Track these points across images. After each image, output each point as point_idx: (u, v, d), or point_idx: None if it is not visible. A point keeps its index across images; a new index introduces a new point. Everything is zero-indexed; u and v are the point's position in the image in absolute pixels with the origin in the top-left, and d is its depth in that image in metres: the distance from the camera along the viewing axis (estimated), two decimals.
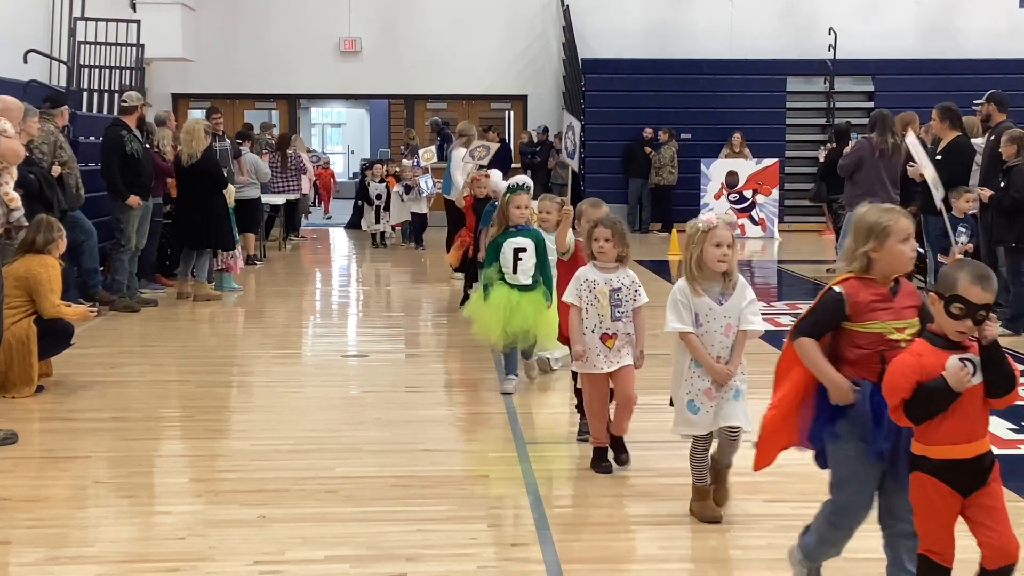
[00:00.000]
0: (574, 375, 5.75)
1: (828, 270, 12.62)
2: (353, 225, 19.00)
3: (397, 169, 17.00)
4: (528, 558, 4.32)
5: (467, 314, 7.23)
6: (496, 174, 10.07)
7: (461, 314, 7.85)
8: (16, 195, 7.51)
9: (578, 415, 5.91)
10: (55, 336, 7.11)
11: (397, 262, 14.97)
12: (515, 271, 6.76)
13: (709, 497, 4.67)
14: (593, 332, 5.18)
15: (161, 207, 11.47)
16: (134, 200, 10.25)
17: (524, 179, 7.45)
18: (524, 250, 6.76)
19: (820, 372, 3.59)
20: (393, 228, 16.85)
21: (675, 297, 4.57)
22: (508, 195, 6.87)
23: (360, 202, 18.20)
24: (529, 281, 6.77)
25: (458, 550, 4.39)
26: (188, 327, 9.96)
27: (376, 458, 5.67)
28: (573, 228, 6.12)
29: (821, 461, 3.74)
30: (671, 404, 4.75)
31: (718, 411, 4.60)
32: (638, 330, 5.22)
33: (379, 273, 14.47)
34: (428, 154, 15.52)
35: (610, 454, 5.40)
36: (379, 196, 16.80)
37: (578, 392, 5.73)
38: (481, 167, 10.67)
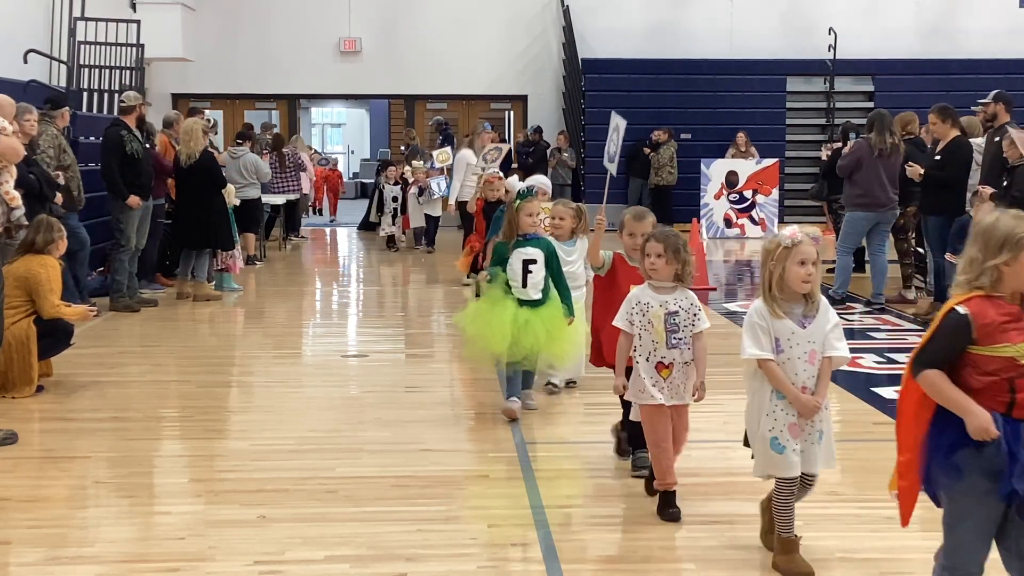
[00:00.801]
0: (624, 405, 5.15)
1: (828, 270, 12.62)
2: (365, 227, 18.55)
3: (407, 170, 16.59)
4: (528, 558, 4.32)
5: (463, 327, 6.53)
6: (513, 177, 9.66)
7: (454, 322, 7.26)
8: (16, 194, 7.52)
9: (630, 448, 5.40)
10: (55, 336, 7.11)
11: (404, 264, 14.85)
12: (524, 284, 6.23)
13: (797, 549, 4.19)
14: (647, 360, 4.63)
15: (162, 207, 11.47)
16: (134, 200, 10.24)
17: (540, 179, 7.22)
18: (534, 262, 6.24)
19: (956, 404, 3.22)
20: (403, 231, 16.38)
21: (752, 320, 4.08)
22: (519, 201, 6.26)
23: (370, 204, 17.78)
24: (539, 295, 6.26)
25: (458, 550, 4.39)
26: (188, 327, 9.96)
27: (376, 458, 5.67)
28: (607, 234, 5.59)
29: (935, 498, 3.41)
30: (746, 444, 4.28)
31: (803, 453, 4.13)
32: (698, 359, 4.65)
33: (382, 274, 14.46)
34: (443, 155, 15.19)
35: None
36: (395, 198, 16.30)
37: (626, 423, 5.26)
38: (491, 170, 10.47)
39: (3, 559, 4.33)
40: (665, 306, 4.62)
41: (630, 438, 5.34)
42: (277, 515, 4.77)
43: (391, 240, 16.20)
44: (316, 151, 23.17)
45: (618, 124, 6.49)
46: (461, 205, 12.09)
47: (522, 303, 6.23)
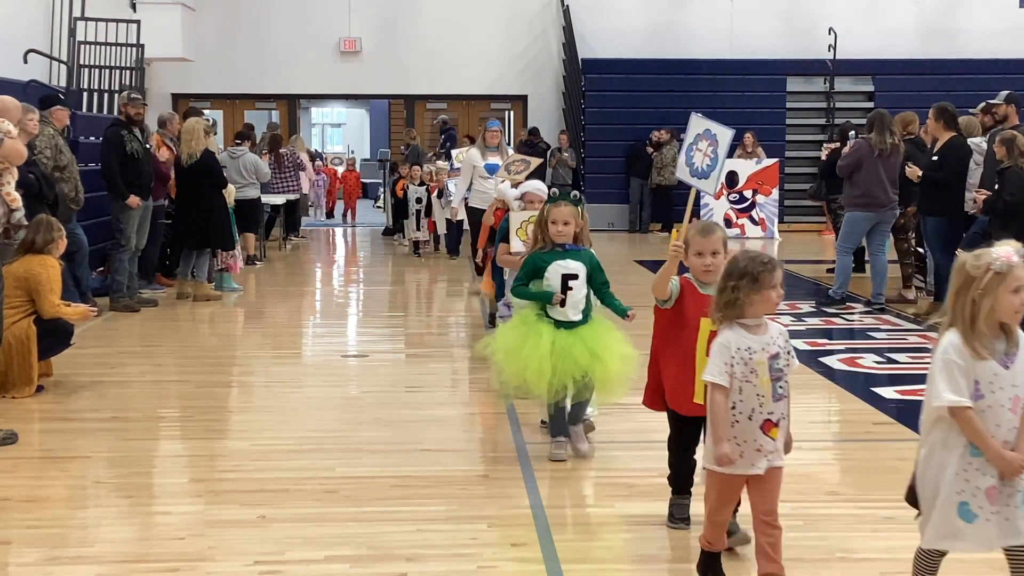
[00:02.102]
0: (680, 434, 4.57)
1: (828, 270, 12.62)
2: (388, 231, 17.91)
3: (429, 170, 16.01)
4: (528, 558, 4.32)
5: (491, 356, 5.58)
6: (504, 184, 8.88)
7: (476, 350, 6.38)
8: (17, 195, 7.52)
9: (671, 492, 4.68)
10: (55, 336, 7.11)
11: (418, 268, 14.61)
12: (563, 303, 5.38)
13: None
14: (751, 420, 3.72)
15: (163, 208, 11.47)
16: (134, 200, 10.25)
17: (535, 184, 6.74)
18: (575, 277, 5.37)
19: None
20: (429, 236, 15.60)
21: (949, 358, 3.40)
22: (548, 206, 5.47)
23: (385, 207, 17.07)
24: (579, 317, 5.38)
25: (458, 550, 4.39)
26: (188, 327, 9.97)
27: (376, 458, 5.67)
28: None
29: None
30: (912, 501, 3.65)
31: (1002, 521, 3.46)
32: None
33: (385, 275, 14.47)
34: (462, 156, 13.91)
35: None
36: (419, 200, 15.53)
37: (679, 462, 4.63)
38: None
39: (3, 559, 4.33)
40: (767, 348, 3.75)
41: (671, 477, 4.67)
42: (277, 515, 4.77)
43: (417, 245, 15.52)
44: (317, 151, 23.09)
45: (709, 129, 4.93)
46: (472, 212, 11.22)
47: (559, 325, 5.38)
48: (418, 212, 15.49)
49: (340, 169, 21.71)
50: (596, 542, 4.53)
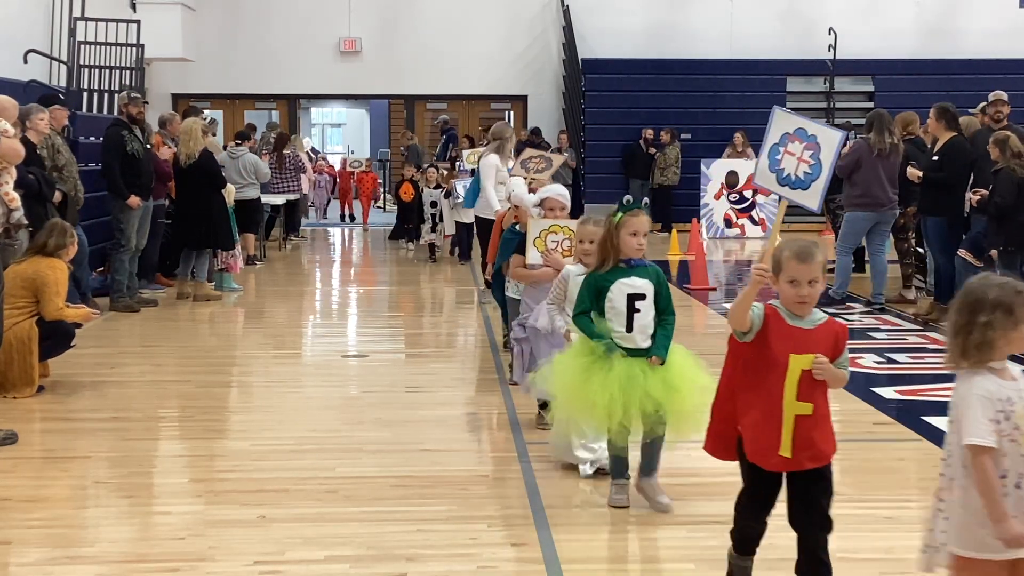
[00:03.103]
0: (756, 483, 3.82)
1: (828, 270, 12.59)
2: (396, 235, 17.05)
3: (418, 173, 15.68)
4: (528, 558, 4.32)
5: (551, 392, 5.00)
6: (519, 183, 7.72)
7: (530, 386, 5.64)
8: (16, 195, 7.53)
9: (731, 548, 3.98)
10: (56, 338, 7.11)
11: (425, 272, 14.41)
12: (630, 328, 4.67)
13: None
14: (1019, 488, 3.01)
15: (163, 207, 11.47)
16: (134, 200, 10.25)
17: (555, 189, 6.19)
18: (642, 298, 4.68)
19: None
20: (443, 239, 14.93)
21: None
22: (620, 215, 4.65)
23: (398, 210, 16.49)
24: (648, 343, 4.70)
25: (458, 550, 4.39)
26: (188, 327, 9.97)
27: (376, 458, 5.67)
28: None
29: None
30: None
31: None
32: None
33: (387, 277, 14.47)
34: (473, 157, 13.53)
35: None
36: (434, 203, 14.79)
37: (746, 524, 3.92)
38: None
39: (3, 559, 4.33)
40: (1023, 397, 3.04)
41: (739, 537, 3.95)
42: (277, 515, 4.77)
43: (432, 249, 14.78)
44: (314, 150, 22.91)
45: (816, 132, 4.02)
46: (481, 223, 10.48)
47: (628, 352, 4.68)
48: (434, 216, 14.82)
49: (357, 170, 20.71)
50: (596, 542, 4.53)
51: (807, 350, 3.56)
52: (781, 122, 4.13)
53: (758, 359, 3.66)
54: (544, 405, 5.90)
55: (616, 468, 4.91)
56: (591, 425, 4.88)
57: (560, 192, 6.29)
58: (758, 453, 3.69)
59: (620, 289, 4.67)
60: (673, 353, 4.72)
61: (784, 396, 3.59)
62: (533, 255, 6.05)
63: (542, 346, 5.72)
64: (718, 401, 3.89)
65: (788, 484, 3.69)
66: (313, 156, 21.31)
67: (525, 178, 7.72)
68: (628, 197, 4.87)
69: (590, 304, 4.72)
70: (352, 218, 20.73)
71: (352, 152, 28.46)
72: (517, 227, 6.70)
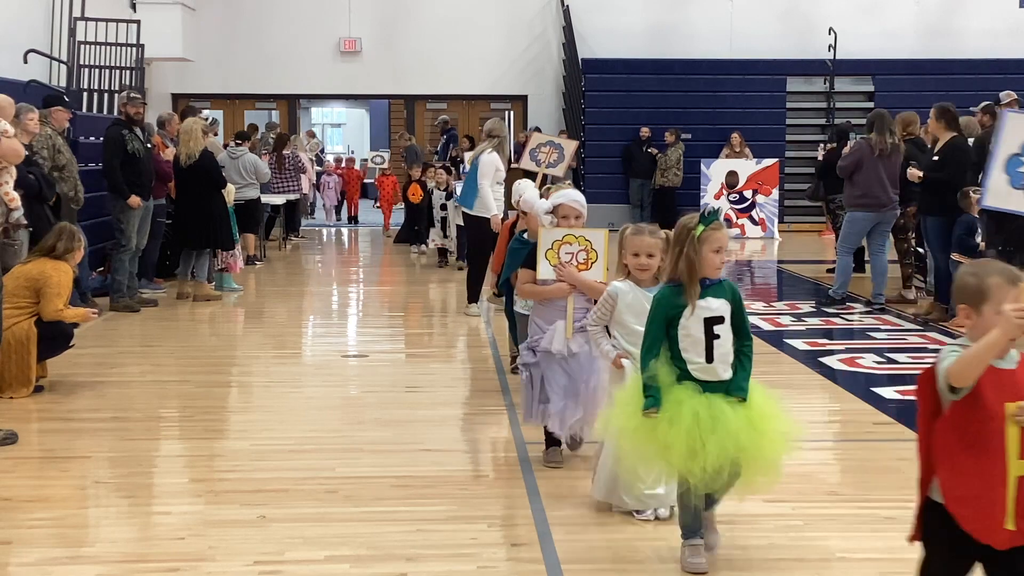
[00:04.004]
0: None
1: (828, 270, 12.61)
2: (402, 238, 16.60)
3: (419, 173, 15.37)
4: (528, 558, 4.32)
5: (618, 440, 4.30)
6: (528, 186, 6.87)
7: (596, 432, 4.79)
8: (16, 195, 7.54)
9: None
10: (55, 339, 7.11)
11: (429, 275, 14.31)
12: (710, 358, 4.05)
13: None
14: None
15: (163, 207, 11.48)
16: (135, 200, 10.25)
17: (571, 195, 5.35)
18: (719, 321, 4.06)
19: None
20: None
21: None
22: (702, 227, 3.99)
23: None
24: (729, 373, 4.08)
25: (458, 550, 4.39)
26: (188, 327, 9.96)
27: (376, 458, 5.67)
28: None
29: None
30: None
31: None
32: None
33: (387, 278, 14.46)
34: (483, 156, 13.13)
35: None
36: (443, 206, 14.20)
37: None
38: (551, 181, 7.16)
39: (3, 559, 4.33)
40: None
41: None
42: (277, 515, 4.77)
43: (442, 253, 14.28)
44: (322, 151, 22.66)
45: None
46: (473, 219, 10.01)
47: (706, 387, 4.05)
48: (443, 219, 14.20)
49: (379, 166, 20.07)
50: (596, 542, 4.53)
51: (1017, 396, 3.01)
52: (1017, 129, 3.43)
53: (969, 414, 3.04)
54: (555, 442, 5.42)
55: (692, 524, 4.17)
56: (664, 471, 4.17)
57: (576, 198, 5.47)
58: (983, 528, 3.06)
59: (696, 313, 4.02)
60: (752, 390, 4.11)
61: (1006, 455, 3.02)
62: (544, 269, 5.25)
63: (556, 373, 5.20)
64: (925, 474, 3.16)
65: (987, 560, 3.12)
66: (322, 156, 21.26)
67: (536, 171, 6.84)
68: (709, 207, 4.21)
69: (662, 334, 4.06)
70: (355, 220, 20.51)
71: (352, 152, 28.46)
72: (525, 235, 6.09)
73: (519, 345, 5.71)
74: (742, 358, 4.10)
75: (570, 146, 7.33)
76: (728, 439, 3.93)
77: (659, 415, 3.98)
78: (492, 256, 7.40)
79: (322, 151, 23.91)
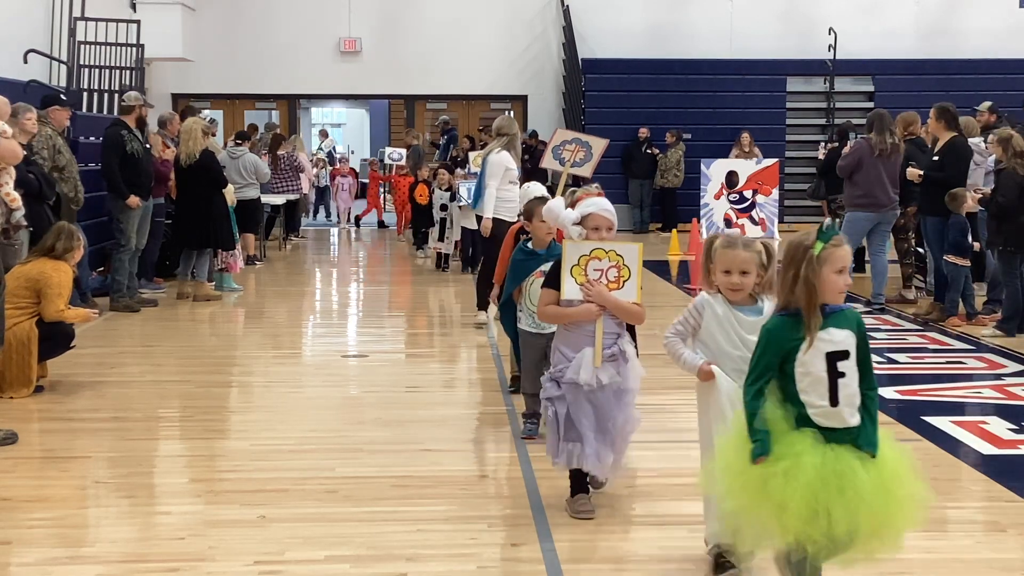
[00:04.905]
0: None
1: None
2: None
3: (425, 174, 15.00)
4: (528, 558, 4.32)
5: (721, 499, 3.64)
6: (538, 188, 6.63)
7: (700, 487, 4.19)
8: (16, 195, 7.54)
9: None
10: (56, 339, 7.11)
11: (432, 277, 13.85)
12: (835, 400, 3.44)
13: None
14: None
15: (163, 207, 11.48)
16: (134, 200, 10.25)
17: (600, 204, 4.75)
18: (844, 356, 3.46)
19: None
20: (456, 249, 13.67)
21: None
22: (821, 245, 3.43)
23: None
24: (856, 419, 3.46)
25: (458, 550, 4.39)
26: (188, 327, 9.96)
27: (376, 458, 5.67)
28: None
29: None
30: None
31: None
32: None
33: (388, 279, 14.45)
34: (479, 159, 12.14)
35: None
36: (444, 207, 13.58)
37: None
38: (577, 184, 6.54)
39: (3, 559, 4.33)
40: None
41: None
42: (277, 515, 4.77)
43: (442, 259, 13.64)
44: (332, 152, 22.39)
45: None
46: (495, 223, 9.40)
47: (829, 436, 3.45)
48: (442, 221, 13.60)
49: (396, 162, 18.62)
50: (596, 542, 4.52)
51: None
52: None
53: None
54: (582, 487, 4.79)
55: None
56: (776, 535, 3.47)
57: (607, 207, 4.79)
58: None
59: (817, 346, 3.43)
60: (882, 443, 3.48)
61: None
62: (570, 288, 4.58)
63: (584, 408, 4.62)
64: None
65: None
66: (335, 156, 21.12)
67: (564, 172, 6.07)
68: (828, 222, 3.63)
69: (773, 369, 3.48)
70: (381, 224, 19.87)
71: (352, 152, 28.46)
72: (530, 245, 5.76)
73: (545, 373, 4.87)
74: (867, 403, 3.47)
75: (599, 144, 6.41)
76: (858, 503, 3.33)
77: (773, 467, 3.39)
78: (498, 262, 6.94)
79: (333, 150, 23.87)
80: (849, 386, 3.43)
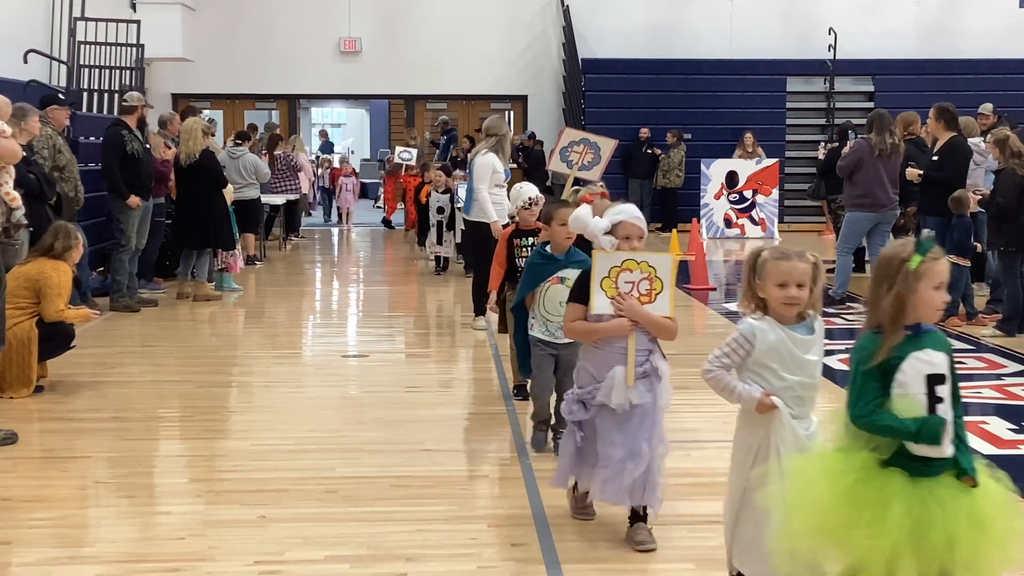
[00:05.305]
0: None
1: (828, 270, 12.60)
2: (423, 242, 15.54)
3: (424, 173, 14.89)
4: (528, 558, 4.32)
5: (788, 525, 3.26)
6: (529, 189, 6.27)
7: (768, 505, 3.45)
8: (16, 195, 7.53)
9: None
10: (56, 339, 7.11)
11: (430, 278, 13.89)
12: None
13: None
14: None
15: (164, 207, 11.48)
16: (134, 200, 10.26)
17: (628, 210, 4.43)
18: (940, 380, 3.18)
19: None
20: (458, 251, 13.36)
21: None
22: (918, 258, 3.20)
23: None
24: (951, 450, 3.16)
25: (458, 550, 4.39)
26: (188, 327, 9.96)
27: (376, 458, 5.67)
28: None
29: None
30: None
31: None
32: None
33: (387, 279, 14.45)
34: (479, 157, 11.87)
35: None
36: (441, 210, 13.29)
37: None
38: (581, 184, 6.41)
39: (3, 559, 4.33)
40: None
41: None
42: (277, 515, 4.77)
43: (441, 262, 13.32)
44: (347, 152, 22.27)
45: None
46: (475, 227, 9.35)
47: (917, 469, 3.15)
48: (439, 224, 13.29)
49: (407, 162, 17.92)
50: (596, 542, 4.52)
51: None
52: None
53: None
54: (587, 511, 4.63)
55: None
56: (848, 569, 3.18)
57: (637, 215, 4.46)
58: None
59: (915, 368, 3.13)
60: (979, 473, 3.19)
61: None
62: (600, 302, 4.29)
63: (612, 435, 4.31)
64: None
65: None
66: (340, 159, 21.11)
67: (568, 174, 5.49)
68: (927, 232, 3.36)
69: (880, 393, 3.16)
70: (388, 223, 19.63)
71: (352, 151, 28.46)
72: (548, 248, 5.47)
73: (568, 395, 4.55)
74: (959, 430, 3.20)
75: (607, 145, 6.02)
76: (944, 545, 3.07)
77: (857, 515, 3.09)
78: (492, 268, 6.72)
79: (348, 152, 23.79)
80: (947, 412, 3.14)
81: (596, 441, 4.37)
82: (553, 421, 5.68)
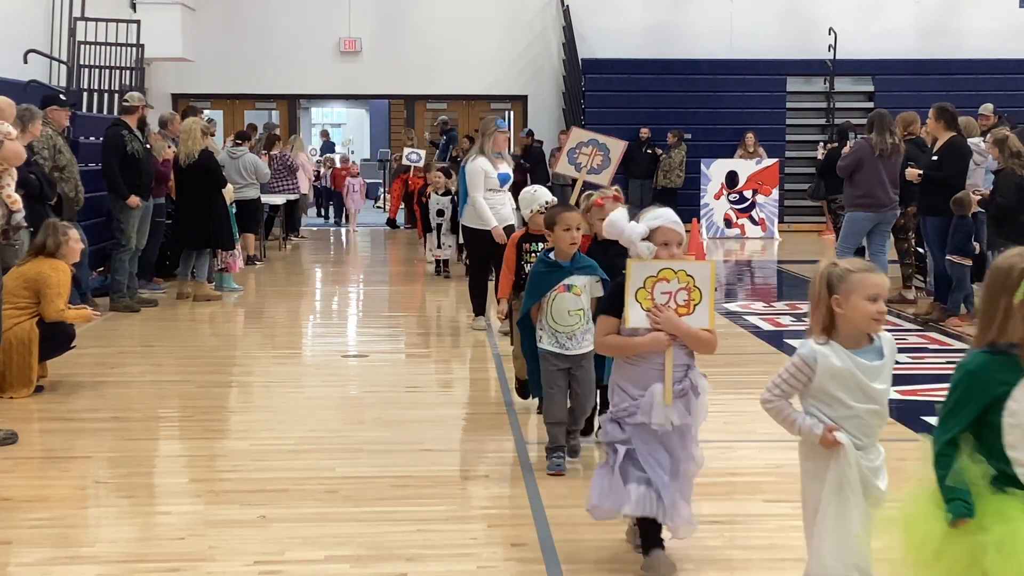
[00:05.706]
0: None
1: None
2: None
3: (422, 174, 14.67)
4: (528, 558, 4.32)
5: (902, 549, 3.23)
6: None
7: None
8: (17, 197, 7.54)
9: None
10: (56, 339, 7.11)
11: (431, 278, 13.64)
12: None
13: None
14: None
15: (164, 207, 11.49)
16: (134, 200, 10.26)
17: (666, 215, 4.10)
18: None
19: None
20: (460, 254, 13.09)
21: None
22: (1019, 275, 2.92)
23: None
24: None
25: (458, 550, 4.39)
26: (188, 327, 9.97)
27: (376, 458, 5.67)
28: None
29: None
30: None
31: None
32: None
33: (387, 280, 14.45)
34: (471, 163, 11.05)
35: None
36: (441, 212, 12.98)
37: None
38: (591, 188, 6.12)
39: (3, 559, 4.33)
40: None
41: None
42: (277, 515, 4.77)
43: (441, 265, 13.11)
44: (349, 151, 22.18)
45: None
46: (471, 234, 9.27)
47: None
48: (439, 227, 13.01)
49: (415, 163, 17.56)
50: (596, 542, 4.52)
51: None
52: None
53: None
54: (656, 541, 4.14)
55: None
56: None
57: (675, 219, 4.11)
58: None
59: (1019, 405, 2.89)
60: None
61: None
62: (636, 315, 3.99)
63: (658, 452, 4.07)
64: None
65: None
66: (341, 158, 21.12)
67: (576, 178, 5.40)
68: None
69: (972, 418, 2.95)
70: (392, 223, 19.59)
71: (352, 151, 28.45)
72: (552, 255, 5.19)
73: (601, 416, 4.41)
74: None
75: (617, 147, 5.98)
76: None
77: (982, 537, 2.89)
78: (501, 275, 6.51)
79: (348, 151, 23.71)
80: None
81: (643, 461, 4.04)
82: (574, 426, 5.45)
